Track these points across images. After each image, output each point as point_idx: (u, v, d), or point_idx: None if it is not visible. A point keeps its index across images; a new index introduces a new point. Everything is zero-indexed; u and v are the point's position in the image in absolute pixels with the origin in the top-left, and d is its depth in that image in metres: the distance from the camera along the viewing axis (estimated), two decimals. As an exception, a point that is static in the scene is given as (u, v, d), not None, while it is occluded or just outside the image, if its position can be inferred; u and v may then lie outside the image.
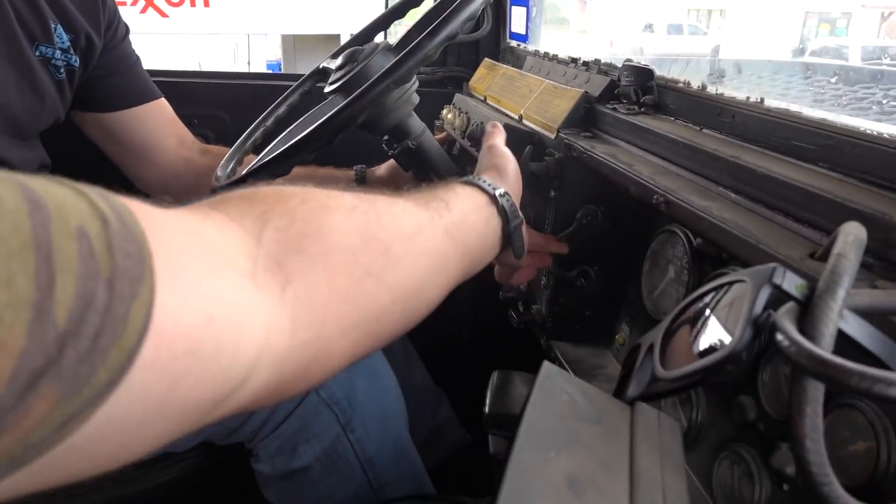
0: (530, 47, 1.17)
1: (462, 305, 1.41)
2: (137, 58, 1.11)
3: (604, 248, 0.80)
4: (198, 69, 1.62)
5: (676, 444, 0.34)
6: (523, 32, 1.21)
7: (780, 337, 0.29)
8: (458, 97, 1.19)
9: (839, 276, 0.30)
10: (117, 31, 1.06)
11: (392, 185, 1.11)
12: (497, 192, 0.57)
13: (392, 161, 1.11)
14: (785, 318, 0.29)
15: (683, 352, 0.40)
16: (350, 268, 0.37)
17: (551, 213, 0.83)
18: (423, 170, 0.98)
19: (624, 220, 0.78)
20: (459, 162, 1.06)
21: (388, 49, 0.92)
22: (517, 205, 0.60)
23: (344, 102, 0.73)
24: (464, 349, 1.40)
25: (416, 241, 0.44)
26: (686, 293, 0.69)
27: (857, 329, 0.30)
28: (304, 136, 0.77)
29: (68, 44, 0.94)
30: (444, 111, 1.15)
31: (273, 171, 0.81)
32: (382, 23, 1.15)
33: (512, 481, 0.28)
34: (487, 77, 1.18)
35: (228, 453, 0.75)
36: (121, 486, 0.74)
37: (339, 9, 2.94)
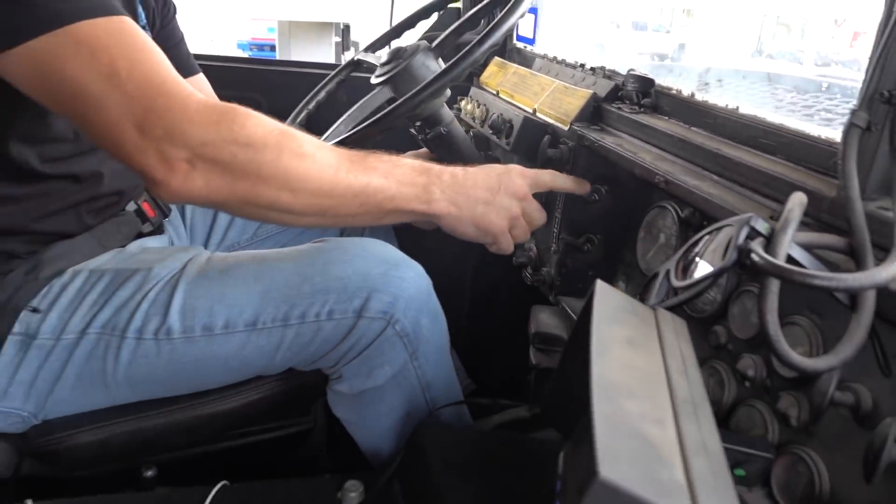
0: (537, 50, 1.36)
1: (465, 272, 1.60)
2: (182, 35, 1.24)
3: (606, 220, 1.00)
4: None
5: (684, 328, 0.53)
6: (531, 36, 1.39)
7: (753, 255, 0.48)
8: (474, 90, 1.37)
9: (789, 220, 0.49)
10: (170, 10, 1.19)
11: None
12: None
13: (418, 150, 1.28)
14: (757, 245, 0.49)
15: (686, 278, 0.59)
16: None
17: (563, 192, 1.02)
18: (450, 152, 1.15)
19: (623, 197, 0.97)
20: (476, 147, 1.24)
21: (429, 49, 1.08)
22: None
23: (412, 92, 0.90)
24: (465, 308, 1.59)
25: None
26: (673, 254, 0.89)
27: (799, 254, 0.50)
28: (372, 122, 0.93)
29: (145, 21, 1.06)
30: (463, 102, 1.33)
31: None
32: (410, 23, 1.32)
33: (597, 337, 0.47)
34: (498, 74, 1.36)
35: (308, 377, 0.93)
36: (219, 402, 0.91)
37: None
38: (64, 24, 0.67)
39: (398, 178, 0.82)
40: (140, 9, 1.03)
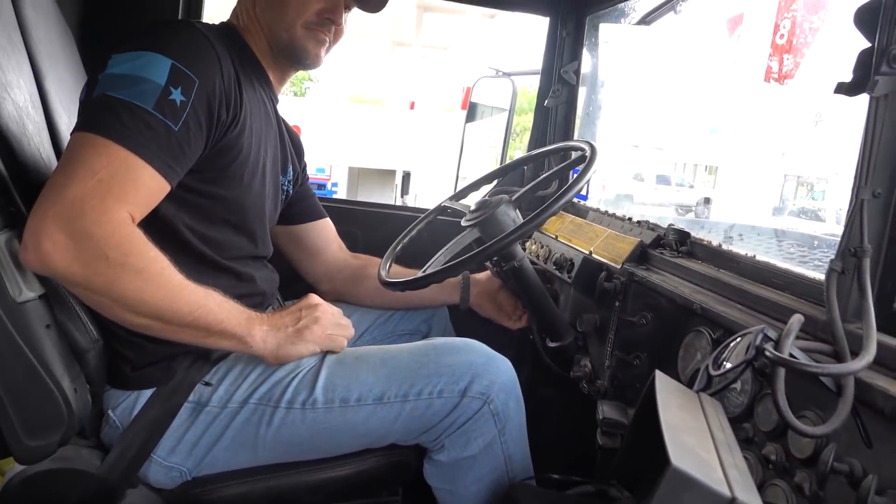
0: (590, 204, 1.66)
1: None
2: (313, 191, 1.57)
3: (651, 340, 1.22)
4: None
5: (720, 406, 0.76)
6: (584, 193, 1.70)
7: (767, 352, 0.72)
8: (536, 234, 1.66)
9: (791, 331, 0.73)
10: (305, 169, 1.53)
11: (492, 283, 1.55)
12: None
13: (485, 273, 1.56)
14: (769, 345, 0.72)
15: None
16: None
17: (615, 316, 1.27)
18: (519, 281, 1.41)
19: (665, 322, 1.21)
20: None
21: (509, 202, 1.38)
22: None
23: (500, 237, 1.16)
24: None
25: None
26: (707, 369, 1.12)
27: (799, 354, 0.73)
28: (469, 257, 1.18)
29: (291, 176, 1.40)
30: (528, 243, 1.62)
31: (434, 279, 1.22)
32: (487, 180, 1.64)
33: (661, 400, 0.69)
34: (557, 221, 1.66)
35: (405, 454, 1.14)
36: (337, 468, 1.12)
37: (394, 152, 3.56)
38: (114, 140, 0.90)
39: (228, 308, 1.02)
40: (290, 168, 1.36)
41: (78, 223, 0.87)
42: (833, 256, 0.82)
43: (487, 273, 1.57)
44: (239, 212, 1.14)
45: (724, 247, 1.13)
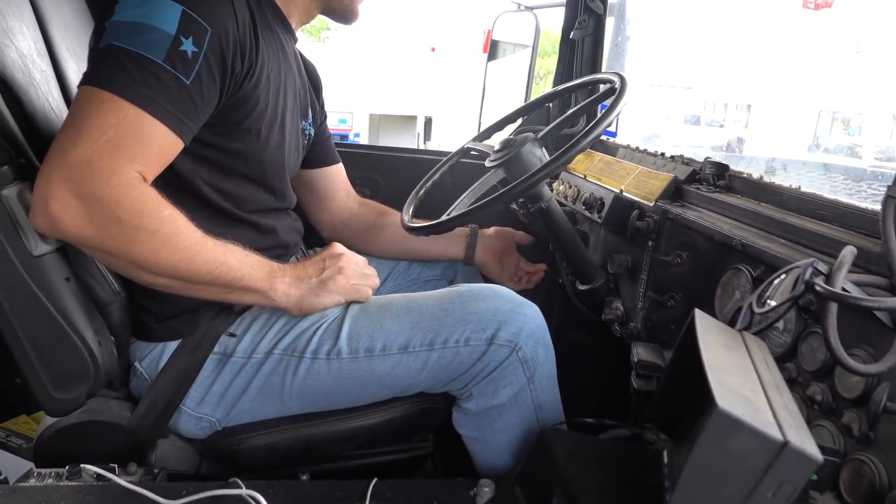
0: (619, 141, 1.59)
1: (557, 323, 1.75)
2: (330, 134, 1.53)
3: (686, 280, 1.17)
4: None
5: (764, 345, 0.71)
6: (613, 130, 1.63)
7: (817, 286, 0.67)
8: (563, 174, 1.60)
9: (843, 263, 0.68)
10: (325, 116, 1.48)
11: (500, 242, 1.50)
12: None
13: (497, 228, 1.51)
14: (820, 279, 0.67)
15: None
16: None
17: (648, 257, 1.21)
18: (547, 223, 1.36)
19: (701, 262, 1.15)
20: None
21: (535, 140, 1.32)
22: None
23: (525, 176, 1.12)
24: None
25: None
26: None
27: (851, 288, 0.68)
28: (494, 198, 1.14)
29: (311, 119, 1.35)
30: (556, 183, 1.56)
31: (458, 222, 1.19)
32: (513, 118, 1.57)
33: (703, 340, 0.65)
34: (585, 160, 1.59)
35: (435, 401, 1.12)
36: (365, 417, 1.11)
37: (415, 97, 3.47)
38: (122, 96, 0.86)
39: (249, 263, 1.00)
40: (310, 111, 1.31)
41: (87, 186, 0.84)
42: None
43: (496, 229, 1.52)
44: (257, 166, 1.11)
45: (767, 179, 1.06)
